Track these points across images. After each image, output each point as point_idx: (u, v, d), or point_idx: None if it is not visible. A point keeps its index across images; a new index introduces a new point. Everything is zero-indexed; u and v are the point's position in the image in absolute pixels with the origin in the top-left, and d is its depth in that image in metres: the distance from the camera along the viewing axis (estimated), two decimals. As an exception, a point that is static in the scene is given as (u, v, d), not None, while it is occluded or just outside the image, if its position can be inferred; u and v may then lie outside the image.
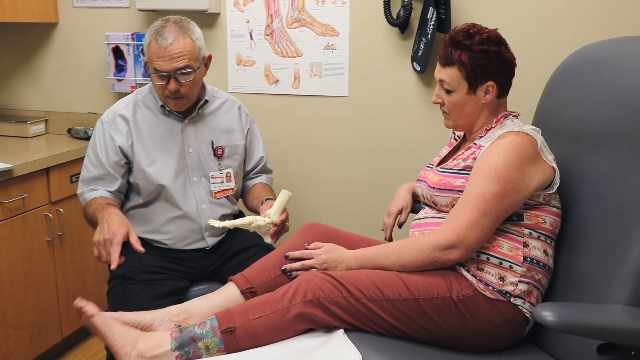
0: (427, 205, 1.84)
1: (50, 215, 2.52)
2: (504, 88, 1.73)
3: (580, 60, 1.83)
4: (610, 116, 1.62)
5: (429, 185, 1.77)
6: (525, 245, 1.62)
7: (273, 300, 1.59)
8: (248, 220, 1.85)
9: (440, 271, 1.62)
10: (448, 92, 1.73)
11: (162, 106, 1.99)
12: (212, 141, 2.06)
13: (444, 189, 1.71)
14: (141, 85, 2.71)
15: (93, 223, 1.91)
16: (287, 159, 2.64)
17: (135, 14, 2.73)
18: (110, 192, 2.00)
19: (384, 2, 2.38)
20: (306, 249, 1.75)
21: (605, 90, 1.65)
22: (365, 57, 2.51)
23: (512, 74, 1.73)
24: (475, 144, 1.72)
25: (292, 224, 1.94)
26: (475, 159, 1.67)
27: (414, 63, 2.42)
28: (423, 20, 2.34)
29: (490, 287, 1.59)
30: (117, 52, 2.71)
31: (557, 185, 1.64)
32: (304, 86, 2.61)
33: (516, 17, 2.27)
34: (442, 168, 1.76)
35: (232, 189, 2.09)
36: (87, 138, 2.77)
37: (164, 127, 2.01)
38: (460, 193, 1.66)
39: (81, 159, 2.64)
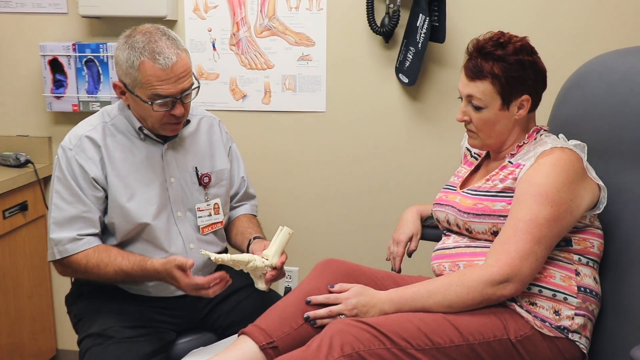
0: (452, 232, 1.66)
1: (-19, 259, 2.13)
2: (536, 101, 1.59)
3: (601, 71, 1.72)
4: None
5: (460, 210, 1.58)
6: (577, 273, 1.48)
7: (306, 358, 1.34)
8: (246, 259, 1.59)
9: (492, 309, 1.44)
10: (477, 108, 1.56)
11: (140, 129, 1.68)
12: (195, 168, 1.77)
13: (482, 214, 1.53)
14: (85, 103, 2.36)
15: (127, 278, 1.65)
16: (257, 182, 2.35)
17: (75, 21, 2.36)
18: (99, 237, 1.67)
19: (367, 8, 2.18)
20: (331, 292, 1.51)
21: (640, 102, 1.55)
22: (344, 68, 2.30)
23: (545, 86, 1.59)
24: (511, 162, 1.56)
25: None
26: (515, 179, 1.51)
27: (400, 75, 2.24)
28: (411, 28, 2.17)
29: (547, 324, 1.44)
30: (55, 65, 2.34)
31: (604, 205, 1.51)
32: (276, 101, 2.36)
33: (516, 24, 2.12)
34: (474, 190, 1.59)
35: (221, 222, 1.81)
36: (19, 165, 2.38)
37: (141, 154, 1.69)
38: (501, 218, 1.50)
39: (16, 190, 2.28)
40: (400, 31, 2.22)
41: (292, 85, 2.34)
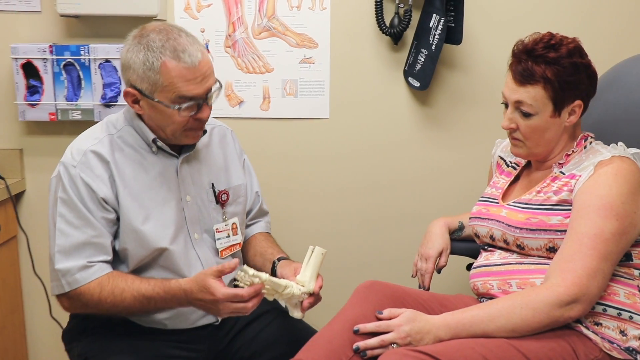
0: (496, 247, 1.54)
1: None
2: (587, 107, 1.49)
3: (638, 73, 1.66)
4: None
5: (509, 225, 1.47)
6: (640, 289, 1.39)
7: (365, 396, 1.20)
8: (283, 284, 1.43)
9: (557, 332, 1.33)
10: (526, 115, 1.45)
11: (153, 141, 1.49)
12: (212, 184, 1.59)
13: (537, 229, 1.42)
14: (64, 111, 2.13)
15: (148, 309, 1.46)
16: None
17: (51, 20, 2.13)
18: (110, 264, 1.46)
19: (376, 8, 2.05)
20: (379, 319, 1.37)
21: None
22: (349, 72, 2.16)
23: (595, 91, 1.50)
24: (563, 173, 1.46)
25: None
26: (571, 191, 1.42)
27: (410, 78, 2.12)
28: (422, 29, 2.05)
29: (616, 345, 1.34)
30: (29, 70, 2.10)
31: (664, 216, 1.43)
32: (276, 107, 2.20)
33: (537, 24, 2.04)
34: (523, 203, 1.48)
35: (239, 243, 1.64)
36: (-11, 182, 2.13)
37: (154, 170, 1.50)
38: (558, 233, 1.40)
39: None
40: (409, 32, 2.10)
41: (293, 90, 2.19)
